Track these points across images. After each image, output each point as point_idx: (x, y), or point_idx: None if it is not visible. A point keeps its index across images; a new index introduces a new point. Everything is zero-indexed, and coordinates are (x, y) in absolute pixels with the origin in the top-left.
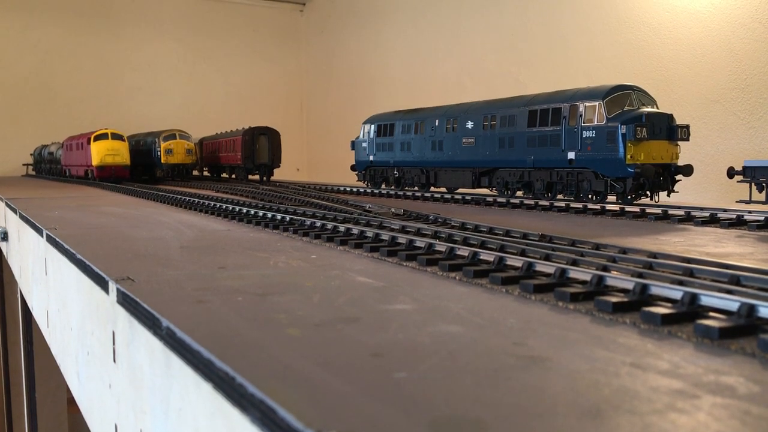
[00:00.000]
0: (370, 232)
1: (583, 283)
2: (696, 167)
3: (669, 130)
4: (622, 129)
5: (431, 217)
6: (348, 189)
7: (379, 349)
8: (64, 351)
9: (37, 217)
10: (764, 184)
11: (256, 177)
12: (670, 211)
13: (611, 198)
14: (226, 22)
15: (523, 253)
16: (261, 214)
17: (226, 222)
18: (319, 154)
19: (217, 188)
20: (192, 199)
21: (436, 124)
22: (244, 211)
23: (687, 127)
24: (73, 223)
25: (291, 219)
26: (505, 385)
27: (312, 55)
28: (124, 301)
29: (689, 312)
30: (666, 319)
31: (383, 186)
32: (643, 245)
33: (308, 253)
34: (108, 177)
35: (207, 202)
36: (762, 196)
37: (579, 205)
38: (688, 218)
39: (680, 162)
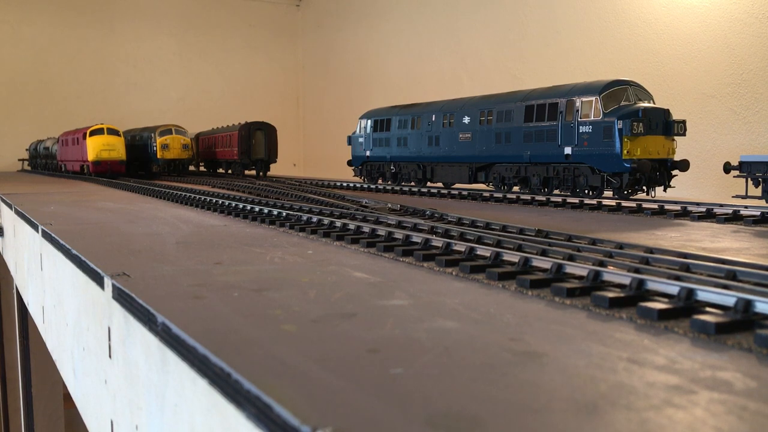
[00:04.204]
0: (366, 228)
1: (580, 278)
2: (692, 162)
3: (665, 125)
4: (619, 124)
5: (428, 213)
6: (344, 184)
7: (376, 344)
8: (60, 347)
9: (33, 213)
10: (760, 179)
11: (253, 172)
12: (667, 207)
13: (608, 193)
14: (223, 18)
15: (519, 249)
16: (257, 209)
17: (223, 217)
18: (316, 150)
19: (214, 183)
20: (188, 194)
21: (433, 119)
22: (241, 206)
23: (683, 122)
24: (69, 218)
25: (288, 214)
26: (501, 381)
27: (308, 50)
28: (120, 296)
29: (686, 307)
30: (663, 315)
31: (380, 181)
32: (639, 240)
33: (305, 248)
34: (104, 172)
35: (203, 198)
36: (758, 192)
37: (575, 201)
38: (685, 213)
39: (677, 157)
